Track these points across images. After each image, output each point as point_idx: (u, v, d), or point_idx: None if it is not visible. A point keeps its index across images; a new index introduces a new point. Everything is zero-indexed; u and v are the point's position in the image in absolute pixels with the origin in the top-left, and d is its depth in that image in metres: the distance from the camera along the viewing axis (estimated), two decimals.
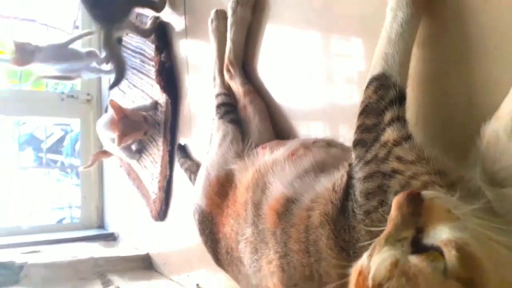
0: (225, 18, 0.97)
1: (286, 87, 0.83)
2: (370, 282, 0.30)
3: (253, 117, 0.83)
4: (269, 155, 0.72)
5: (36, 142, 5.25)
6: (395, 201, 0.33)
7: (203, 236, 0.82)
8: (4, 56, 2.38)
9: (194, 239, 1.26)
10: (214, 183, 0.80)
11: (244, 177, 0.74)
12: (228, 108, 0.89)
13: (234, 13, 0.89)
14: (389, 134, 0.49)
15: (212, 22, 0.98)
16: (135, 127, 1.41)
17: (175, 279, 1.40)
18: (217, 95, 0.93)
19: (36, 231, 2.30)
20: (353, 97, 0.67)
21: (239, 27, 0.90)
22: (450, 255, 0.28)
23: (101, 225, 2.44)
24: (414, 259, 0.29)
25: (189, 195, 1.28)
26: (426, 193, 0.33)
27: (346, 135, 0.69)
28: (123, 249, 1.82)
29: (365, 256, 0.32)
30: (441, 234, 0.30)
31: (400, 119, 0.50)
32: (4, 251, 1.81)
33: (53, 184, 4.87)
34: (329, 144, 0.68)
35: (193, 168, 1.15)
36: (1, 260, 1.54)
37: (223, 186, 0.78)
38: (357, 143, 0.52)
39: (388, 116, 0.50)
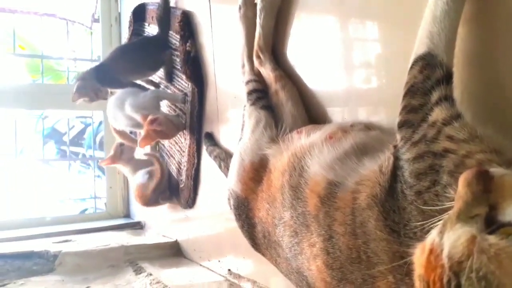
0: (253, 4, 0.97)
1: (318, 72, 0.82)
2: (446, 260, 0.29)
3: (286, 102, 0.83)
4: (305, 139, 0.72)
5: (57, 135, 5.36)
6: (463, 179, 0.33)
7: (239, 221, 0.83)
8: None
9: (224, 225, 1.28)
10: (248, 169, 0.81)
11: (279, 161, 0.74)
12: (260, 94, 0.89)
13: None
14: (438, 113, 0.48)
15: (240, 8, 0.98)
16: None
17: (206, 265, 1.42)
18: (247, 82, 0.93)
19: (61, 222, 2.36)
20: (394, 81, 0.66)
21: (268, 13, 0.89)
22: None
23: (127, 215, 2.49)
24: (492, 237, 0.28)
25: (218, 182, 1.30)
26: (496, 171, 0.33)
27: (385, 119, 0.68)
28: (151, 237, 1.86)
29: (435, 233, 0.32)
30: None
31: (448, 98, 0.49)
32: (36, 241, 1.87)
33: (75, 176, 4.96)
34: (368, 127, 0.68)
35: (222, 156, 1.16)
36: (36, 249, 1.59)
37: (257, 172, 0.79)
38: (402, 124, 0.52)
39: (435, 95, 0.50)
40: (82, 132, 5.19)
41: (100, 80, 1.56)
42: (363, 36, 0.74)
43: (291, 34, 0.89)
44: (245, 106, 0.92)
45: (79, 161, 5.00)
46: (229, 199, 0.88)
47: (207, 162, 1.34)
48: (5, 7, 3.07)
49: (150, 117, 1.32)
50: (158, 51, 1.52)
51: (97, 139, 4.20)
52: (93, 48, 3.20)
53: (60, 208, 3.99)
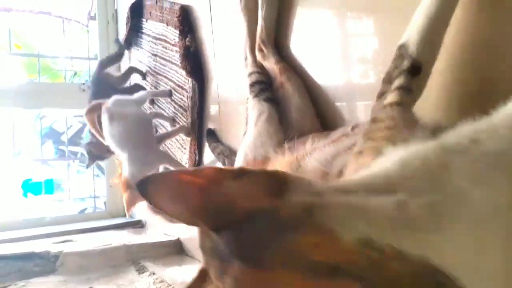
0: None
1: (324, 65, 0.80)
2: None
3: (293, 94, 0.80)
4: (309, 145, 0.70)
5: (55, 135, 5.33)
6: None
7: None
8: None
9: None
10: (251, 165, 0.79)
11: (278, 162, 0.72)
12: (262, 86, 0.86)
13: None
14: (392, 97, 0.50)
15: (241, 0, 0.96)
16: None
17: None
18: (250, 74, 0.91)
19: (61, 222, 2.35)
20: None
21: (271, 4, 0.87)
22: None
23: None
24: None
25: None
26: None
27: None
28: (152, 235, 1.84)
29: None
30: None
31: (406, 89, 0.49)
32: (36, 241, 1.85)
33: (74, 176, 4.94)
34: None
35: (226, 153, 1.14)
36: (36, 250, 1.57)
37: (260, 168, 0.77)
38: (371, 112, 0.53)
39: (395, 83, 0.50)
40: (80, 131, 5.16)
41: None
42: (369, 29, 0.72)
43: (294, 26, 0.87)
44: (248, 98, 0.90)
45: (78, 160, 4.97)
46: None
47: (209, 159, 1.32)
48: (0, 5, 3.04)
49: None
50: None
51: None
52: (90, 46, 3.17)
53: (59, 208, 3.97)
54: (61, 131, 5.29)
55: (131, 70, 1.95)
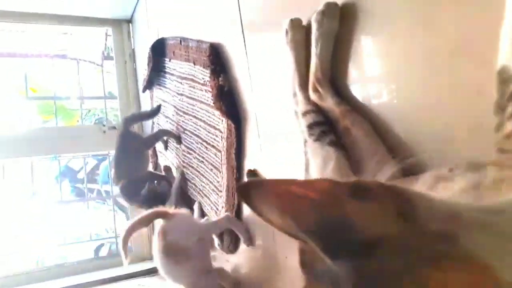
0: (301, 26, 0.89)
1: (393, 105, 0.72)
2: None
3: (361, 140, 0.72)
4: None
5: (71, 173, 5.31)
6: None
7: None
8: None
9: (268, 268, 1.17)
10: None
11: None
12: (323, 128, 0.79)
13: (321, 26, 0.79)
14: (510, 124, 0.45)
15: (287, 33, 0.90)
16: None
17: None
18: (305, 113, 0.83)
19: (85, 269, 2.26)
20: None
21: (326, 41, 0.80)
22: None
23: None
24: None
25: (261, 224, 1.20)
26: None
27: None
28: None
29: None
30: None
31: None
32: None
33: (92, 213, 4.90)
34: (474, 167, 0.57)
35: None
36: None
37: None
38: None
39: (509, 110, 0.45)
40: (96, 167, 5.14)
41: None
42: (448, 58, 0.65)
43: (352, 61, 0.80)
44: (305, 141, 0.82)
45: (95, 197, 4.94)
46: (303, 264, 0.77)
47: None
48: (16, 52, 3.05)
49: None
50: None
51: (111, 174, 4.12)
52: (104, 85, 3.16)
53: (77, 247, 3.87)
54: (76, 169, 5.27)
55: (162, 133, 1.92)
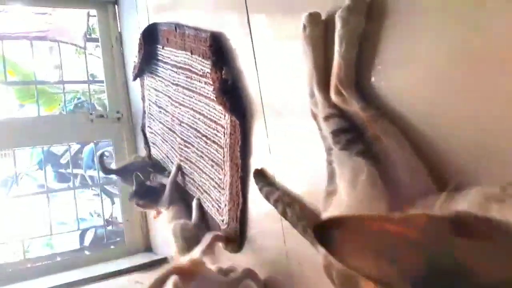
0: (320, 21, 0.82)
1: (431, 112, 0.66)
2: None
3: (393, 150, 0.66)
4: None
5: (54, 158, 5.16)
6: None
7: None
8: None
9: (274, 271, 1.14)
10: None
11: None
12: (349, 136, 0.73)
13: (347, 24, 0.72)
14: None
15: (305, 28, 0.82)
16: None
17: None
18: (327, 118, 0.77)
19: (76, 264, 2.18)
20: None
21: (352, 40, 0.73)
22: None
23: (148, 248, 2.32)
24: None
25: (267, 224, 1.15)
26: None
27: None
28: None
29: None
30: None
31: None
32: None
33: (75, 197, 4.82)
34: None
35: (286, 200, 1.00)
36: None
37: None
38: None
39: None
40: (79, 151, 5.01)
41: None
42: (493, 62, 0.59)
43: (379, 63, 0.73)
44: (330, 149, 0.76)
45: (79, 182, 4.83)
46: (327, 268, 0.72)
47: (256, 203, 1.19)
48: None
49: None
50: None
51: (95, 159, 4.01)
52: (88, 68, 3.02)
53: (63, 232, 3.77)
54: (59, 153, 5.13)
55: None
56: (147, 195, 1.74)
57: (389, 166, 0.67)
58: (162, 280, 1.06)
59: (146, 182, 1.80)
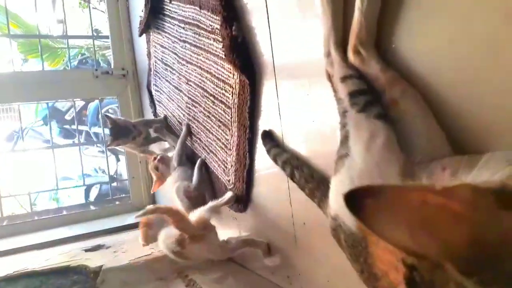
0: None
1: (458, 79, 0.63)
2: None
3: (412, 114, 0.64)
4: (449, 175, 0.55)
5: (58, 114, 5.16)
6: None
7: (357, 264, 0.67)
8: None
9: (279, 231, 1.14)
10: None
11: None
12: (368, 97, 0.69)
13: None
14: None
15: None
16: None
17: (262, 273, 1.29)
18: (344, 78, 0.73)
19: (82, 218, 2.22)
20: None
21: None
22: None
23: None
24: None
25: (273, 185, 1.14)
26: None
27: None
28: None
29: None
30: None
31: None
32: (63, 247, 1.72)
33: (80, 153, 4.86)
34: None
35: (294, 163, 0.98)
36: (71, 264, 1.44)
37: None
38: None
39: None
40: (84, 107, 4.99)
41: None
42: None
43: (403, 22, 0.69)
44: (346, 111, 0.73)
45: (83, 139, 4.85)
46: (335, 232, 0.71)
47: (263, 164, 1.18)
48: None
49: None
50: None
51: (100, 116, 3.99)
52: (92, 22, 2.94)
53: (68, 187, 3.81)
54: (63, 109, 5.11)
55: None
56: (121, 134, 1.79)
57: (405, 130, 0.64)
58: (166, 211, 1.18)
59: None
